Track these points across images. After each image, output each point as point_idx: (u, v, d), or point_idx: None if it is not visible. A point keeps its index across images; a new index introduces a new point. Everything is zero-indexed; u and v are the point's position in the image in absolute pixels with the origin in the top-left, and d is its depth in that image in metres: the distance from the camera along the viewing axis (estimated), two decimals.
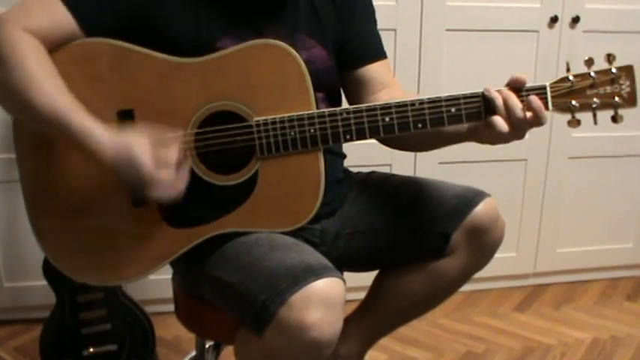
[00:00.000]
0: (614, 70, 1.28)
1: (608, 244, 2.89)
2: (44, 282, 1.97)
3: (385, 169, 2.25)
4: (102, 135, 1.18)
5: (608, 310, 2.68)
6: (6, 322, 2.47)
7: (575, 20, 2.48)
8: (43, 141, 1.29)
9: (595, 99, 1.29)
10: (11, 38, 1.20)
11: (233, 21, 1.35)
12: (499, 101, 1.26)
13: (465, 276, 1.50)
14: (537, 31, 2.50)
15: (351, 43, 1.49)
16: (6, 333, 2.42)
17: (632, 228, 2.89)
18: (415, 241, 1.47)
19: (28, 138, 1.30)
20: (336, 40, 1.46)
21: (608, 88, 1.29)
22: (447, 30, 2.44)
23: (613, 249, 2.90)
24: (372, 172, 1.63)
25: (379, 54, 1.53)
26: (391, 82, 1.52)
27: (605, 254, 2.90)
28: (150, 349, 2.11)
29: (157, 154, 1.19)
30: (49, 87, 1.19)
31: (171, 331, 2.38)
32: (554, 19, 2.47)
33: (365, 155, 2.17)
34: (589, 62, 1.29)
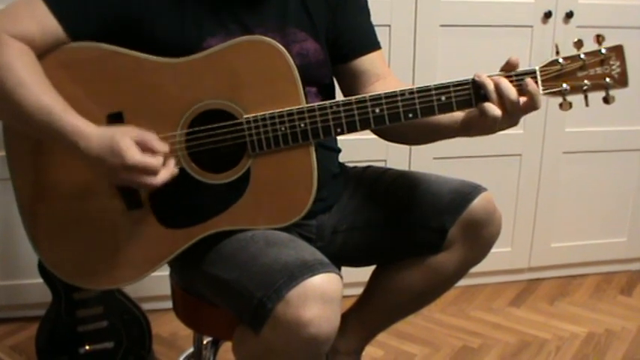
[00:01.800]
0: (603, 51, 1.27)
1: (602, 238, 2.90)
2: (40, 280, 1.97)
3: (380, 164, 2.25)
4: (89, 130, 1.20)
5: (602, 304, 2.69)
6: (1, 321, 2.46)
7: (569, 15, 2.49)
8: (35, 149, 1.29)
9: (586, 81, 1.27)
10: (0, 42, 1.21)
11: (220, 19, 1.34)
12: (490, 86, 1.25)
13: (462, 270, 1.50)
14: (531, 27, 2.51)
15: (344, 34, 1.47)
16: (1, 331, 2.41)
17: (626, 222, 2.90)
18: (412, 236, 1.47)
19: (19, 146, 1.31)
20: (328, 33, 1.45)
21: (599, 69, 1.28)
22: (442, 25, 2.44)
23: (607, 243, 2.91)
24: (369, 167, 1.63)
25: (373, 45, 1.52)
26: (386, 72, 1.52)
27: (600, 248, 2.91)
28: (146, 346, 2.11)
29: (141, 139, 1.20)
30: (37, 89, 1.20)
31: (167, 328, 2.38)
32: (547, 15, 2.48)
33: (360, 150, 2.17)
34: (578, 44, 1.27)
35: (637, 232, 2.93)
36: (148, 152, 1.20)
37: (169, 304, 1.63)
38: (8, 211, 2.32)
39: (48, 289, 1.99)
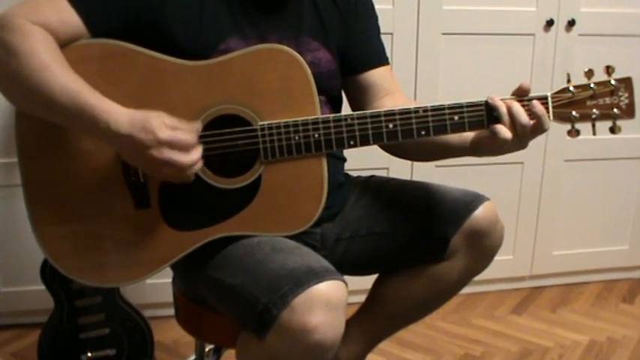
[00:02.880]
0: (613, 82, 1.30)
1: (603, 246, 2.90)
2: (42, 287, 1.97)
3: (382, 173, 2.25)
4: (119, 108, 1.18)
5: (604, 312, 2.69)
6: (3, 327, 2.46)
7: (571, 23, 2.49)
8: (46, 138, 1.29)
9: (594, 110, 1.31)
10: (21, 28, 1.20)
11: (236, 23, 1.35)
12: (503, 109, 1.28)
13: (465, 279, 1.51)
14: (533, 35, 2.51)
15: (355, 47, 1.49)
16: (3, 338, 2.41)
17: (628, 230, 2.90)
18: (415, 245, 1.47)
19: (31, 135, 1.30)
20: (339, 45, 1.47)
21: (608, 100, 1.31)
22: (444, 34, 2.45)
23: (609, 251, 2.92)
24: (372, 176, 1.63)
25: (382, 60, 1.54)
26: (394, 88, 1.53)
27: (601, 256, 2.92)
28: (148, 353, 2.10)
29: (170, 123, 1.18)
30: (61, 72, 1.19)
31: (169, 335, 2.38)
32: (550, 23, 2.48)
33: (362, 158, 2.16)
34: (589, 74, 1.30)
35: (639, 240, 2.93)
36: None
37: (171, 311, 1.63)
38: (11, 218, 2.32)
39: (50, 295, 1.99)
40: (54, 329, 2.01)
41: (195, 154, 1.20)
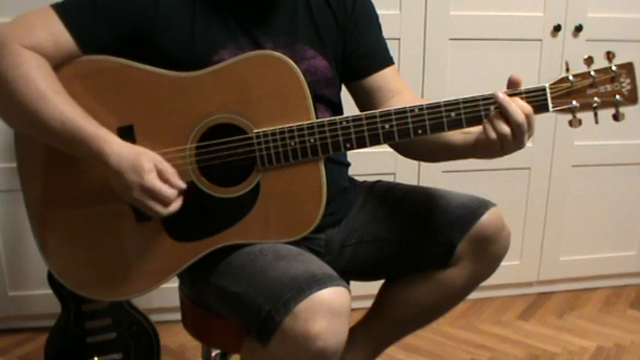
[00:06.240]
0: (614, 68, 1.27)
1: (611, 251, 2.89)
2: (49, 290, 1.97)
3: (389, 178, 2.25)
4: (112, 140, 1.21)
5: (612, 318, 2.67)
6: (11, 331, 2.47)
7: (578, 29, 2.49)
8: (46, 158, 1.30)
9: (596, 98, 1.28)
10: (15, 54, 1.21)
11: (230, 33, 1.35)
12: (500, 99, 1.25)
13: (471, 286, 1.50)
14: (540, 40, 2.51)
15: (356, 53, 1.48)
16: (11, 342, 2.42)
17: (636, 235, 2.89)
18: (420, 251, 1.47)
19: (31, 154, 1.32)
20: (339, 51, 1.46)
21: (609, 87, 1.27)
22: (451, 39, 2.45)
23: (617, 257, 2.90)
24: (378, 182, 1.63)
25: (385, 61, 1.52)
26: (401, 88, 1.52)
27: (609, 262, 2.90)
28: (155, 357, 2.11)
29: (162, 168, 1.22)
30: (57, 101, 1.21)
31: (176, 339, 2.39)
32: (557, 28, 2.48)
33: (369, 164, 2.17)
34: (588, 61, 1.27)
35: None
36: (166, 184, 1.22)
37: (178, 316, 1.63)
38: (18, 223, 2.33)
39: (57, 300, 2.00)
40: (61, 333, 2.02)
41: (174, 207, 1.25)
